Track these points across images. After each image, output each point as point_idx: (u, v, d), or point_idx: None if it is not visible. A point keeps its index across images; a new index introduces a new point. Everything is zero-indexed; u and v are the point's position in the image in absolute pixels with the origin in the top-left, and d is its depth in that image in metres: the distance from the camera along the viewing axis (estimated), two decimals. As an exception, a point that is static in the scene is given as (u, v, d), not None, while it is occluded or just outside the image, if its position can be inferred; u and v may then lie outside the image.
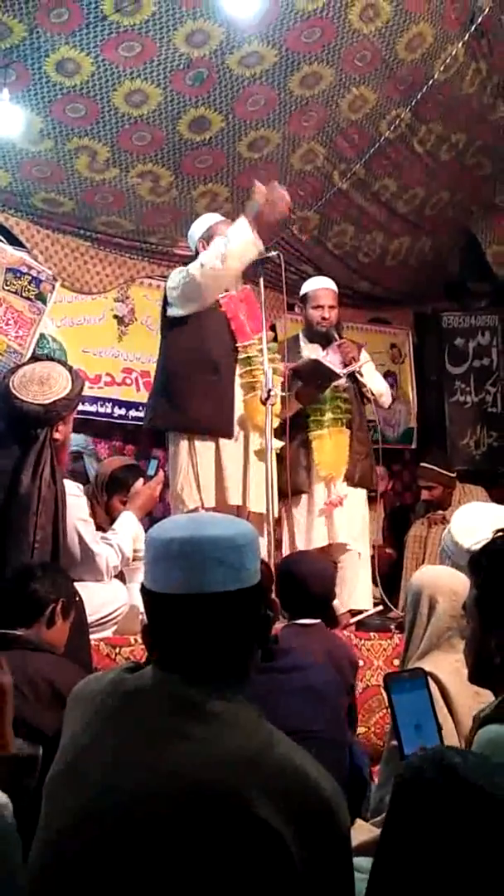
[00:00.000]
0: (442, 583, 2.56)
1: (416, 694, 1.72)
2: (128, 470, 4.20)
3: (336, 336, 4.77)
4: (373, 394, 4.87)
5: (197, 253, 4.32)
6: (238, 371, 4.27)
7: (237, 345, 4.27)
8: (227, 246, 3.98)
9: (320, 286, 4.92)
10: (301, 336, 4.95)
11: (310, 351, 4.78)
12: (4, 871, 1.52)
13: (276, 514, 4.22)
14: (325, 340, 4.80)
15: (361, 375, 4.78)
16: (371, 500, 5.73)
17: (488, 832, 1.19)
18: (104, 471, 4.20)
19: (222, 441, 4.22)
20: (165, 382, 4.32)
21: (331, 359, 4.68)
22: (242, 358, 4.27)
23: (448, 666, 2.33)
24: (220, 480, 4.20)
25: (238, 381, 4.27)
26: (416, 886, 1.20)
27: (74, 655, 2.75)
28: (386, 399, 5.08)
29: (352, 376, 4.76)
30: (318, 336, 4.83)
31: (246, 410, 4.25)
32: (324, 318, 4.80)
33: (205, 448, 4.21)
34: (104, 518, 3.85)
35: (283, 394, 4.38)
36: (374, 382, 4.94)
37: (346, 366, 4.64)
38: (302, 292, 4.94)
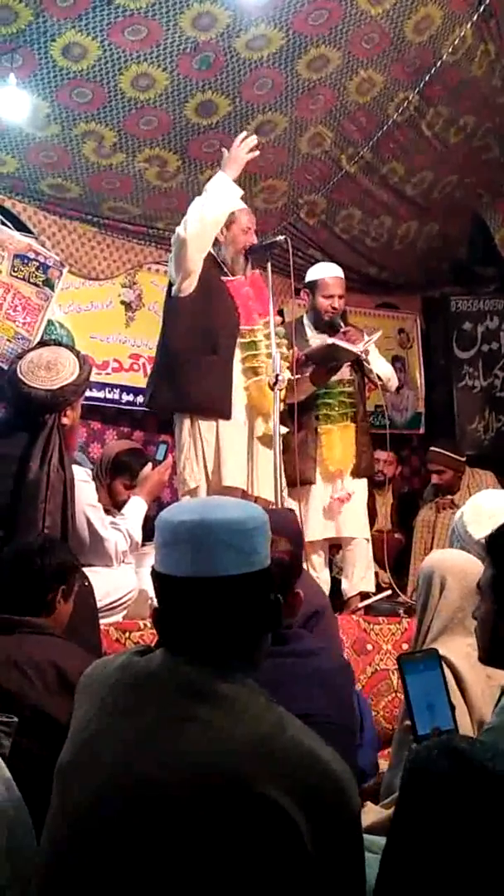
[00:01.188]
0: (450, 563, 2.57)
1: (429, 674, 1.73)
2: (131, 454, 4.22)
3: (341, 324, 4.76)
4: (380, 378, 4.83)
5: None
6: (241, 355, 4.25)
7: (241, 328, 4.26)
8: (207, 196, 4.02)
9: (330, 274, 4.87)
10: (306, 321, 4.91)
11: (318, 339, 4.75)
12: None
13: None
14: (330, 329, 4.78)
15: (368, 363, 4.76)
16: (380, 486, 5.74)
17: (497, 810, 1.20)
18: (108, 454, 4.20)
19: (223, 423, 4.20)
20: (165, 362, 4.31)
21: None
22: (246, 342, 4.26)
23: (460, 650, 2.33)
24: (219, 462, 4.19)
25: (240, 365, 4.26)
26: (428, 867, 1.21)
27: (84, 640, 2.76)
28: (393, 382, 5.06)
29: (359, 365, 4.75)
30: (324, 324, 4.80)
31: (251, 395, 4.25)
32: (333, 309, 4.78)
33: (207, 428, 4.20)
34: (107, 501, 3.86)
35: (293, 377, 4.39)
36: (380, 366, 4.91)
37: None
38: (310, 278, 4.89)
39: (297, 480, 4.54)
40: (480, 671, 2.22)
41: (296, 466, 4.52)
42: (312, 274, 4.91)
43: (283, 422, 4.14)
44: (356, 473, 4.77)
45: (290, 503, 4.57)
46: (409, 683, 1.71)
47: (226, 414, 4.17)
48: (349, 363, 4.73)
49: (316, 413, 4.71)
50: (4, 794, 1.71)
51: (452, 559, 2.63)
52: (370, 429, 4.97)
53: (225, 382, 4.18)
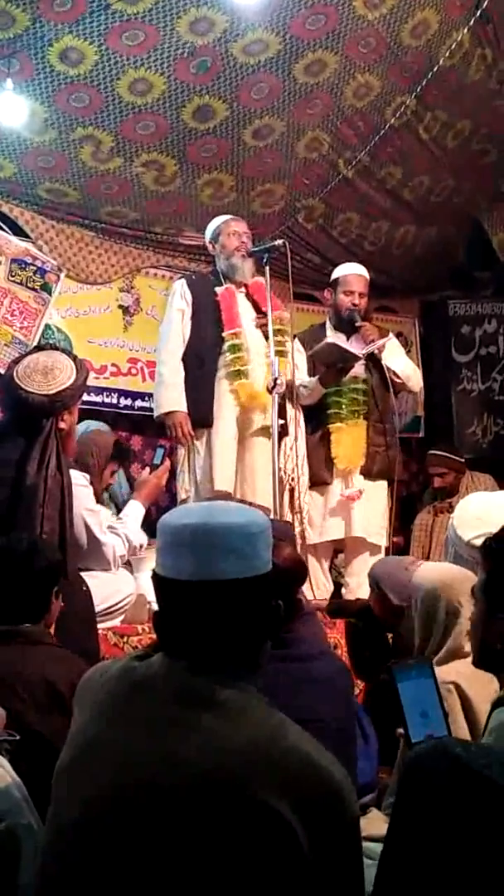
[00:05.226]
0: (458, 586, 2.51)
1: (421, 681, 1.73)
2: (118, 444, 4.28)
3: (357, 318, 4.75)
4: (398, 377, 4.78)
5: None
6: (226, 359, 4.37)
7: (223, 334, 4.37)
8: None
9: (352, 272, 4.91)
10: (328, 323, 4.96)
11: (334, 338, 4.76)
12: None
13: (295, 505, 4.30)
14: (350, 327, 4.79)
15: (380, 354, 4.69)
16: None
17: (490, 815, 1.20)
18: (106, 442, 4.22)
19: (214, 430, 4.33)
20: None
21: (354, 345, 4.67)
22: (230, 345, 4.34)
23: (468, 670, 2.31)
24: (210, 466, 4.31)
25: (224, 370, 4.37)
26: (424, 869, 1.21)
27: (81, 645, 2.76)
28: (414, 381, 4.97)
29: (377, 365, 4.73)
30: (343, 322, 4.81)
31: (239, 396, 4.29)
32: (354, 304, 4.79)
33: (197, 435, 4.36)
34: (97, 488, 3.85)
35: (303, 384, 4.55)
36: (399, 364, 4.84)
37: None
38: (333, 276, 4.94)
39: (312, 481, 4.61)
40: (489, 691, 2.21)
41: (311, 467, 4.59)
42: (336, 272, 4.96)
43: (282, 414, 4.22)
44: (367, 473, 4.73)
45: (315, 500, 4.69)
46: (400, 691, 1.71)
47: (208, 421, 4.33)
48: (364, 361, 4.72)
49: (328, 411, 4.71)
50: (31, 818, 1.71)
51: (456, 578, 2.56)
52: (389, 430, 4.86)
53: (206, 391, 4.35)
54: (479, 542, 2.66)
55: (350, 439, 4.69)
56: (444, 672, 2.23)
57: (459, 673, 2.28)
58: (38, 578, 2.53)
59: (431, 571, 2.69)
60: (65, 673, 2.31)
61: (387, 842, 1.30)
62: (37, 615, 2.51)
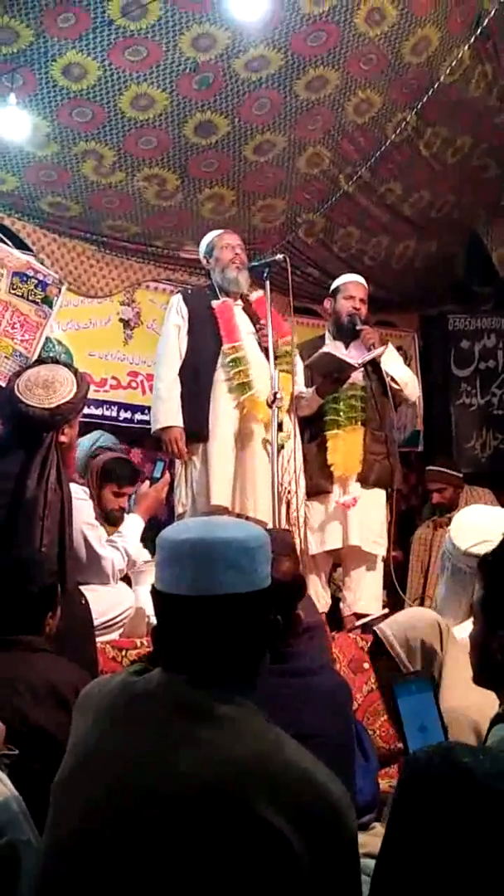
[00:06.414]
0: (422, 628, 2.46)
1: (421, 696, 1.72)
2: (118, 461, 4.27)
3: (358, 321, 4.75)
4: (397, 383, 4.78)
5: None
6: (229, 372, 4.35)
7: (223, 347, 4.37)
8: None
9: (352, 279, 4.96)
10: (327, 333, 4.97)
11: (332, 347, 4.74)
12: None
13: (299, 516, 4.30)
14: (349, 336, 4.80)
15: (378, 359, 4.69)
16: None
17: (494, 829, 1.18)
18: (96, 463, 4.23)
19: (211, 443, 4.31)
20: None
21: (353, 354, 4.68)
22: (231, 359, 4.33)
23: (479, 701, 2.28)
24: (206, 481, 4.29)
25: (222, 384, 4.36)
26: (419, 881, 1.19)
27: (79, 658, 2.75)
28: (411, 389, 4.96)
29: (377, 370, 4.74)
30: (343, 330, 4.82)
31: (244, 409, 4.30)
32: (355, 309, 4.81)
33: (194, 450, 4.36)
34: (96, 510, 3.85)
35: (302, 393, 4.53)
36: (397, 370, 4.85)
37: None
38: (334, 286, 4.98)
39: (313, 490, 4.59)
40: None
41: (311, 476, 4.57)
42: (336, 282, 5.00)
43: (281, 428, 4.23)
44: (365, 482, 4.69)
45: (315, 509, 4.65)
46: (400, 705, 1.71)
47: (204, 435, 4.31)
48: (363, 368, 4.71)
49: (325, 419, 4.70)
50: (30, 833, 1.71)
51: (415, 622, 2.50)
52: (388, 439, 4.82)
53: (202, 405, 4.33)
54: (476, 549, 2.66)
55: (346, 445, 4.65)
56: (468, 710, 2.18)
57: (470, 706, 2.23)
58: (33, 603, 2.53)
59: (410, 624, 2.57)
60: (67, 678, 2.31)
61: (381, 851, 1.28)
62: (30, 630, 2.51)
